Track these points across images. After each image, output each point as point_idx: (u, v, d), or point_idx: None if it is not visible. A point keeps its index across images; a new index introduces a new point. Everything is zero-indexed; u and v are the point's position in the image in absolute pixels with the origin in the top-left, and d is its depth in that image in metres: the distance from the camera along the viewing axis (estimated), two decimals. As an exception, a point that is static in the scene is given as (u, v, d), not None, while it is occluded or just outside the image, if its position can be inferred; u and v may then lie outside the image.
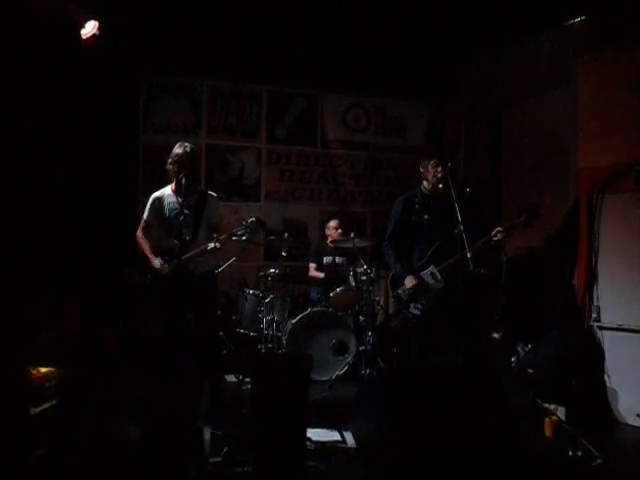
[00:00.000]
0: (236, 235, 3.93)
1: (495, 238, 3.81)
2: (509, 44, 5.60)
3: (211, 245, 3.77)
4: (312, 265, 5.88)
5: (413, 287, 3.90)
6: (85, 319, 4.35)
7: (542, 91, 5.44)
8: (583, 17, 4.71)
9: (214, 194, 4.11)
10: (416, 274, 3.93)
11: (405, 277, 3.94)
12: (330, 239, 5.82)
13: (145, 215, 4.01)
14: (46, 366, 2.98)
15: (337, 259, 5.72)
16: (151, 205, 3.99)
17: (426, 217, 3.97)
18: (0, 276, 4.21)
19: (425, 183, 4.08)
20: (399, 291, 3.98)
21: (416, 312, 3.90)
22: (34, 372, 2.92)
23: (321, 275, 5.77)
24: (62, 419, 2.83)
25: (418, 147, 6.69)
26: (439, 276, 3.87)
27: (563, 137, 5.03)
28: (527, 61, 5.52)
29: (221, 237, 3.82)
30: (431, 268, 3.90)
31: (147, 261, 3.89)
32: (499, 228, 3.82)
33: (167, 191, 3.99)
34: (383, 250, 4.12)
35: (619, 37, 4.36)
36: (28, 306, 3.73)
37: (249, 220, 3.93)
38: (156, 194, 4.01)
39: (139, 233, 3.99)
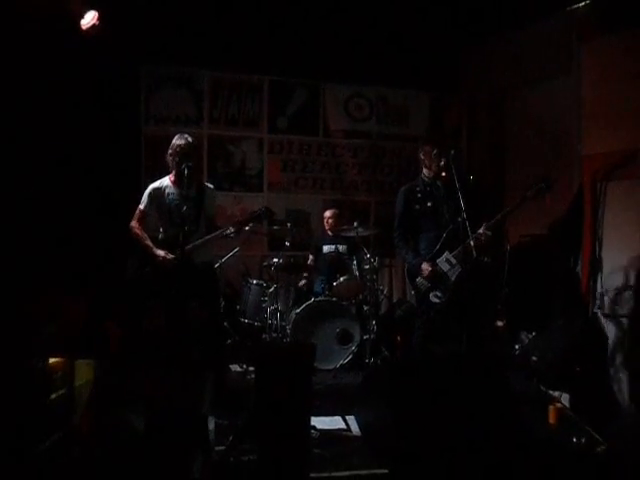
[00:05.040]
0: (247, 222, 3.96)
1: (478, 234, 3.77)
2: (512, 30, 5.56)
3: (228, 230, 3.80)
4: (310, 257, 5.88)
5: (430, 273, 3.87)
6: (89, 311, 4.36)
7: (545, 78, 5.40)
8: (587, 1, 4.66)
9: (211, 186, 4.11)
10: (431, 262, 3.92)
11: (419, 265, 3.93)
12: (327, 227, 5.82)
13: (142, 206, 3.99)
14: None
15: (340, 247, 5.71)
16: (149, 195, 3.98)
17: (429, 204, 3.96)
18: (3, 272, 4.22)
19: (425, 170, 4.06)
20: (417, 281, 3.95)
21: (436, 300, 3.88)
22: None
23: (312, 263, 5.74)
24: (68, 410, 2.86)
25: (421, 135, 6.65)
26: (454, 261, 3.85)
27: (567, 124, 5.00)
28: (530, 47, 5.47)
29: (234, 224, 3.86)
30: (445, 254, 3.88)
31: (148, 252, 3.88)
32: (479, 231, 3.79)
33: (166, 182, 3.98)
34: (394, 242, 4.12)
35: (623, 22, 4.32)
36: (30, 300, 3.75)
37: (258, 210, 3.97)
38: (154, 185, 4.00)
39: (135, 223, 3.97)
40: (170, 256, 3.83)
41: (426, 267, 3.88)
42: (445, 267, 3.87)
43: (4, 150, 4.56)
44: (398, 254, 4.17)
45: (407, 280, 4.12)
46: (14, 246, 4.42)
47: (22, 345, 2.99)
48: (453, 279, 3.86)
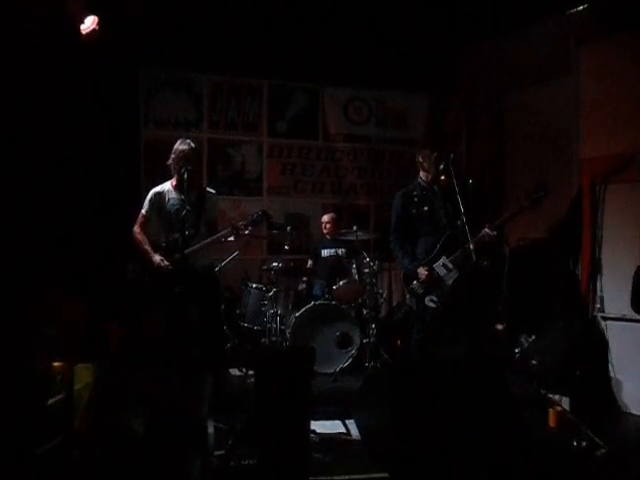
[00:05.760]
0: (245, 226, 3.97)
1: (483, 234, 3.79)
2: (510, 33, 5.57)
3: (225, 234, 3.81)
4: (309, 261, 5.89)
5: (426, 278, 3.86)
6: (89, 313, 4.38)
7: (544, 80, 5.42)
8: (585, 4, 4.68)
9: (213, 190, 4.13)
10: (428, 266, 3.90)
11: (416, 270, 3.92)
12: (326, 232, 5.82)
13: (144, 210, 4.01)
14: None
15: (339, 251, 5.71)
16: (150, 200, 3.99)
17: (426, 209, 3.95)
18: (4, 275, 4.23)
19: (423, 174, 4.04)
20: (413, 285, 3.94)
21: (432, 305, 3.86)
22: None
23: (312, 267, 5.75)
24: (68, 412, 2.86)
25: (420, 139, 6.66)
26: (451, 266, 3.84)
27: (565, 126, 5.01)
28: (528, 50, 5.49)
29: (231, 228, 3.87)
30: (442, 259, 3.86)
31: (147, 258, 3.89)
32: (486, 230, 3.80)
33: (167, 187, 4.00)
34: (390, 246, 4.11)
35: (622, 24, 4.33)
36: (30, 302, 3.76)
37: (255, 213, 3.98)
38: (156, 189, 4.02)
39: (137, 228, 3.99)
40: (165, 263, 3.83)
41: (422, 271, 3.86)
42: (442, 272, 3.86)
43: (4, 153, 4.57)
44: (395, 258, 4.15)
45: (403, 284, 4.11)
46: (15, 248, 4.42)
47: (22, 347, 2.99)
48: (450, 284, 3.85)
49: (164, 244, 3.95)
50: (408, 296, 4.08)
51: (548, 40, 5.21)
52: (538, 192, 3.78)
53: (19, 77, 4.65)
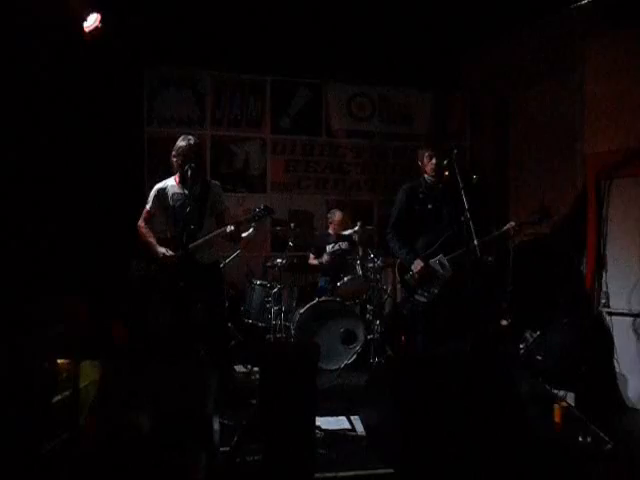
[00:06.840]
0: (247, 221, 3.98)
1: (508, 227, 3.86)
2: (515, 29, 5.54)
3: (229, 228, 3.82)
4: (311, 255, 5.87)
5: (420, 271, 3.87)
6: (94, 311, 4.39)
7: (549, 76, 5.39)
8: (590, -1, 4.65)
9: (217, 182, 4.15)
10: (424, 260, 3.91)
11: (412, 262, 3.93)
12: (332, 230, 5.79)
13: (148, 206, 4.04)
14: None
15: (342, 244, 5.69)
16: (154, 196, 4.03)
17: (430, 207, 3.95)
18: (7, 273, 4.24)
19: (426, 174, 4.05)
20: (406, 277, 3.96)
21: (422, 299, 3.89)
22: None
23: (316, 262, 5.74)
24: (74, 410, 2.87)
25: (423, 135, 6.64)
26: (447, 265, 3.85)
27: (571, 122, 4.99)
28: (534, 46, 5.46)
29: (235, 221, 3.88)
30: (440, 257, 3.87)
31: (152, 250, 3.92)
32: (512, 223, 3.86)
33: (171, 182, 4.03)
34: (386, 238, 4.11)
35: (628, 19, 4.31)
36: (35, 301, 3.77)
37: (257, 208, 3.99)
38: (159, 185, 4.06)
39: (141, 223, 4.04)
40: (170, 253, 3.86)
41: (418, 262, 3.88)
42: (437, 268, 3.88)
43: (8, 151, 4.58)
44: (391, 249, 4.12)
45: (397, 275, 4.12)
46: (19, 248, 4.44)
47: (27, 346, 3.00)
48: (443, 281, 3.86)
49: (168, 239, 3.98)
50: (399, 286, 4.10)
51: (554, 36, 5.18)
52: (535, 215, 3.94)
53: (22, 75, 4.65)
